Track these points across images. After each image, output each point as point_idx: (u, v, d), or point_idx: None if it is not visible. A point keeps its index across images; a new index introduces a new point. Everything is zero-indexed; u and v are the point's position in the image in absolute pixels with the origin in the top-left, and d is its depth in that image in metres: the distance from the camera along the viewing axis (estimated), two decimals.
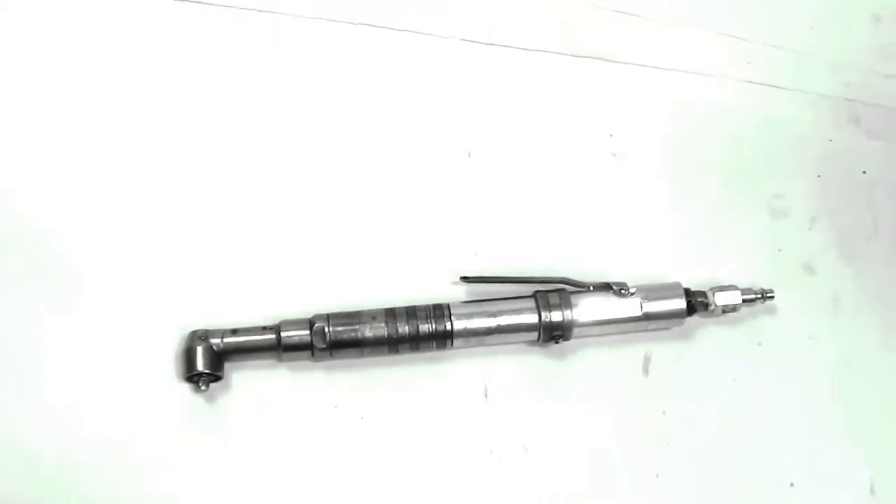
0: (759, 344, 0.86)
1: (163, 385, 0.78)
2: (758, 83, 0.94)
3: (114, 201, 0.82)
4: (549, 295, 0.81)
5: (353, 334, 0.77)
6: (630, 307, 0.81)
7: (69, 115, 0.84)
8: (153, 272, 0.81)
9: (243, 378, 0.79)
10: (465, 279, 0.83)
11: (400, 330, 0.78)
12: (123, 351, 0.78)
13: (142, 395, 0.77)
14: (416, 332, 0.78)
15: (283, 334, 0.77)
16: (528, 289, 0.82)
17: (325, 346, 0.77)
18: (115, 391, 0.77)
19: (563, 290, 0.81)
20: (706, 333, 0.85)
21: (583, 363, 0.83)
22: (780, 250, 0.89)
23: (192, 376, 0.76)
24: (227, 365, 0.77)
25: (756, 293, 0.84)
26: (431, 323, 0.78)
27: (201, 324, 0.78)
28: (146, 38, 0.86)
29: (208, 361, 0.76)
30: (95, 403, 0.77)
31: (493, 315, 0.79)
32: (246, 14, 0.88)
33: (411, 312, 0.79)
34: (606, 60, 0.94)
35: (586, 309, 0.80)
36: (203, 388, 0.76)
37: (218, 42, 0.87)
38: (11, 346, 0.77)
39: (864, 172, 0.92)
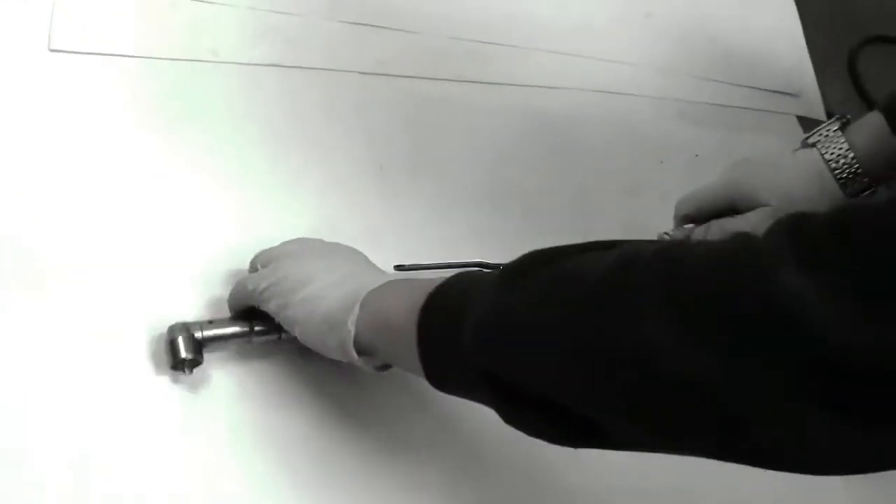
0: None
1: (142, 382, 0.86)
2: (606, 92, 1.17)
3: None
4: None
5: None
6: None
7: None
8: (113, 277, 0.90)
9: (218, 365, 0.89)
10: (398, 267, 0.96)
11: None
12: (95, 352, 0.86)
13: (124, 394, 0.85)
14: None
15: (254, 321, 0.89)
16: (453, 272, 0.93)
17: None
18: (93, 392, 0.84)
19: (482, 270, 0.97)
20: None
21: None
22: (636, 222, 1.10)
23: (176, 363, 0.86)
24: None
25: None
26: None
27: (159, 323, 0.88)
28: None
29: (191, 349, 0.86)
30: (76, 409, 0.82)
31: None
32: None
33: None
34: (475, 82, 1.13)
35: None
36: (188, 372, 0.87)
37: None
38: None
39: (697, 155, 1.17)
